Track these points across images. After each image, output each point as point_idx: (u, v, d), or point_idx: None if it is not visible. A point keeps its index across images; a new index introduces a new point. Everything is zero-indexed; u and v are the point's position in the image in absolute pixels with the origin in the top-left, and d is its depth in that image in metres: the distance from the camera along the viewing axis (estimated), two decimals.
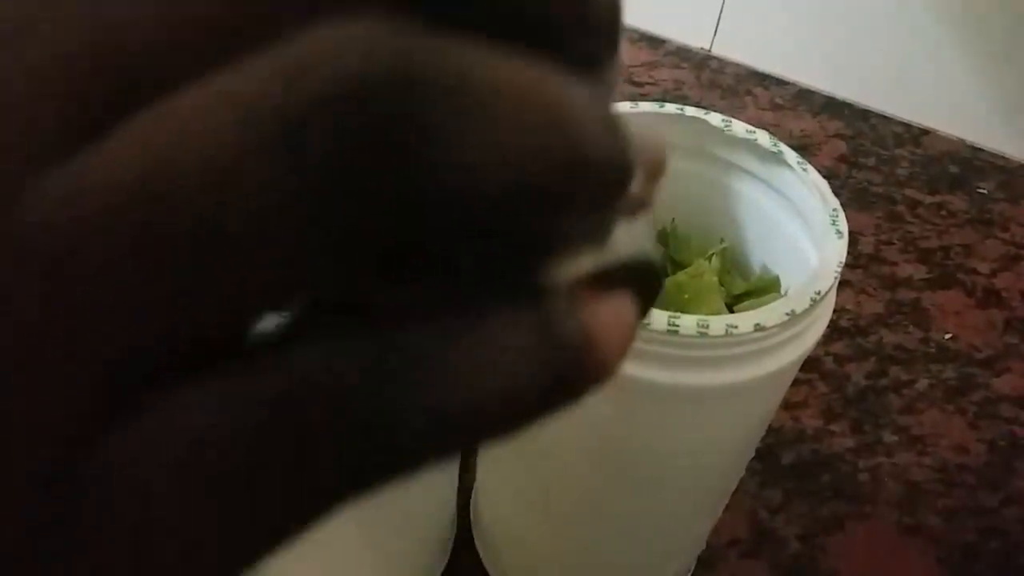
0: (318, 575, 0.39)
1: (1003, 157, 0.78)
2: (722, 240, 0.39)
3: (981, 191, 0.75)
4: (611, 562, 0.39)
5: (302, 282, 0.08)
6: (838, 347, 0.59)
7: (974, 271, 0.67)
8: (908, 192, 0.74)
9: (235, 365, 0.08)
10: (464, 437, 0.09)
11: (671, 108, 0.36)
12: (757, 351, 0.28)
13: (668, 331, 0.27)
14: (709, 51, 0.88)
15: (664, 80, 0.84)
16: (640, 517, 0.37)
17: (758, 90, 0.84)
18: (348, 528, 0.37)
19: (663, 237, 0.40)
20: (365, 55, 0.07)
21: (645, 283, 0.11)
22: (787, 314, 0.27)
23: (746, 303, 0.36)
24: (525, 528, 0.42)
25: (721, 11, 0.85)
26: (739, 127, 0.35)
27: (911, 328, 0.61)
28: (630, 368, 0.28)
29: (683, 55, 0.87)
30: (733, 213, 0.38)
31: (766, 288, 0.37)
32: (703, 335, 0.27)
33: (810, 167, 0.34)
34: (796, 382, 0.35)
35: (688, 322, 0.27)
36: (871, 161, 0.76)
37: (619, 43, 0.10)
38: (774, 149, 0.34)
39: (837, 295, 0.32)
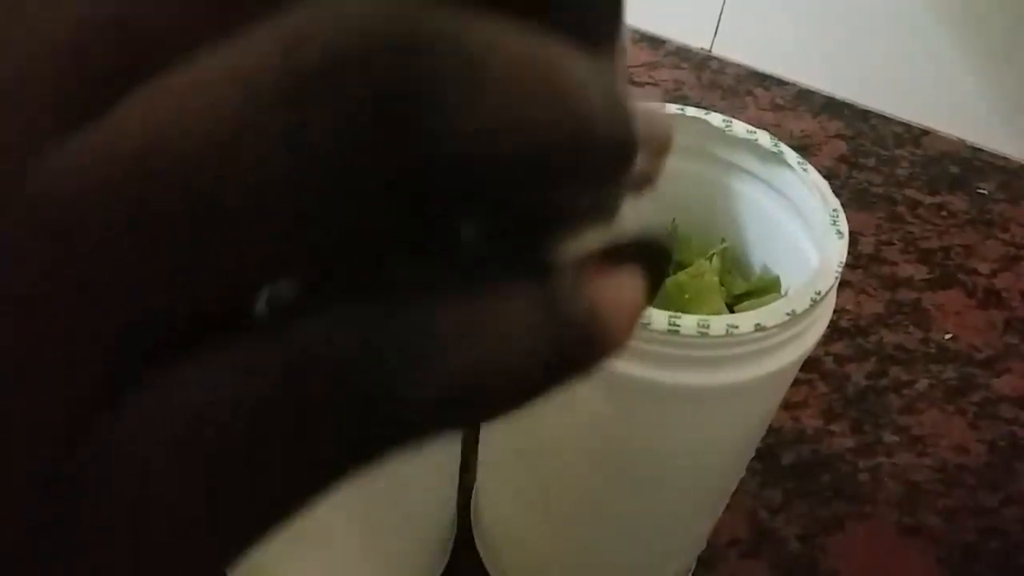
0: (319, 575, 0.39)
1: (1003, 157, 0.78)
2: (723, 240, 0.39)
3: (981, 191, 0.75)
4: (611, 562, 0.39)
5: (303, 256, 0.08)
6: (838, 347, 0.59)
7: (974, 271, 0.67)
8: (908, 192, 0.74)
9: (235, 340, 0.08)
10: (465, 410, 0.09)
11: (672, 108, 0.36)
12: (757, 351, 0.28)
13: (669, 331, 0.27)
14: (709, 51, 0.88)
15: (664, 80, 0.84)
16: (640, 517, 0.37)
17: (758, 90, 0.84)
18: (349, 528, 0.37)
19: None
20: (365, 24, 0.07)
21: (654, 260, 0.11)
22: (788, 314, 0.27)
23: (746, 303, 0.36)
24: (525, 528, 0.42)
25: (721, 12, 0.85)
26: (740, 127, 0.35)
27: (911, 328, 0.61)
28: (630, 368, 0.28)
29: (683, 55, 0.87)
30: (734, 213, 0.38)
31: (766, 288, 0.37)
32: (704, 335, 0.27)
33: (810, 167, 0.34)
34: (796, 382, 0.35)
35: (689, 322, 0.27)
36: (871, 161, 0.76)
37: (622, 20, 0.10)
38: (775, 149, 0.34)
39: (837, 295, 0.32)
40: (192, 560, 0.08)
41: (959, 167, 0.77)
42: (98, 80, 0.08)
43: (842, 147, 0.78)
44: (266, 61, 0.07)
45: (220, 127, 0.07)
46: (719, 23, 0.86)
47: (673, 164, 0.37)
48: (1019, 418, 0.56)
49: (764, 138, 0.34)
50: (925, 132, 0.80)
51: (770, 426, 0.36)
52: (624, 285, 0.10)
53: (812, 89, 0.84)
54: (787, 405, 0.54)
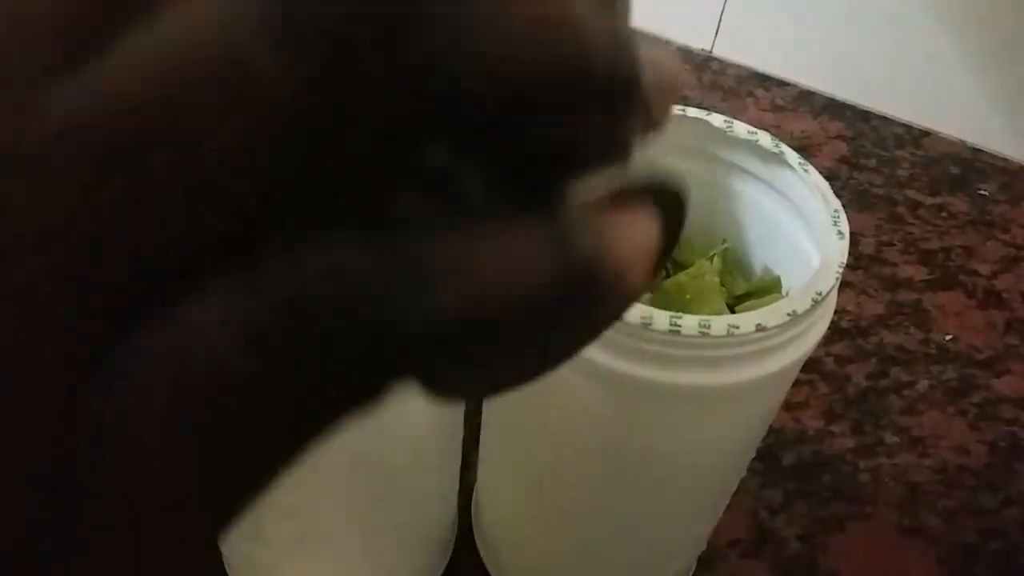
0: (319, 575, 0.39)
1: (1004, 159, 0.78)
2: (723, 241, 0.39)
3: (982, 192, 0.75)
4: (612, 562, 0.39)
5: (304, 186, 0.08)
6: (839, 348, 0.59)
7: (975, 272, 0.67)
8: (909, 193, 0.74)
9: (236, 277, 0.08)
10: (468, 345, 0.09)
11: (672, 109, 0.36)
12: (758, 351, 0.28)
13: (670, 331, 0.27)
14: (710, 52, 0.88)
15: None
16: (641, 517, 0.37)
17: (759, 91, 0.84)
18: (349, 528, 0.37)
19: None
20: None
21: (669, 203, 0.10)
22: (788, 315, 0.27)
23: (747, 304, 0.36)
24: (525, 528, 0.42)
25: (722, 13, 0.85)
26: (741, 128, 0.35)
27: (912, 329, 0.61)
28: (631, 368, 0.28)
29: (684, 56, 0.87)
30: (735, 214, 0.38)
31: (767, 289, 0.37)
32: (705, 335, 0.27)
33: (811, 168, 0.34)
34: (797, 383, 0.35)
35: (690, 322, 0.27)
36: (872, 162, 0.76)
37: None
38: (775, 150, 0.34)
39: (838, 296, 0.32)
40: (189, 532, 0.08)
41: (960, 168, 0.77)
42: (99, 19, 0.08)
43: (843, 148, 0.78)
44: None
45: (213, 54, 0.07)
46: (720, 24, 0.86)
47: (674, 164, 0.37)
48: (1019, 419, 0.56)
49: (765, 139, 0.35)
50: (926, 133, 0.80)
51: (771, 426, 0.36)
52: (637, 223, 0.10)
53: (813, 90, 0.84)
54: (788, 405, 0.54)
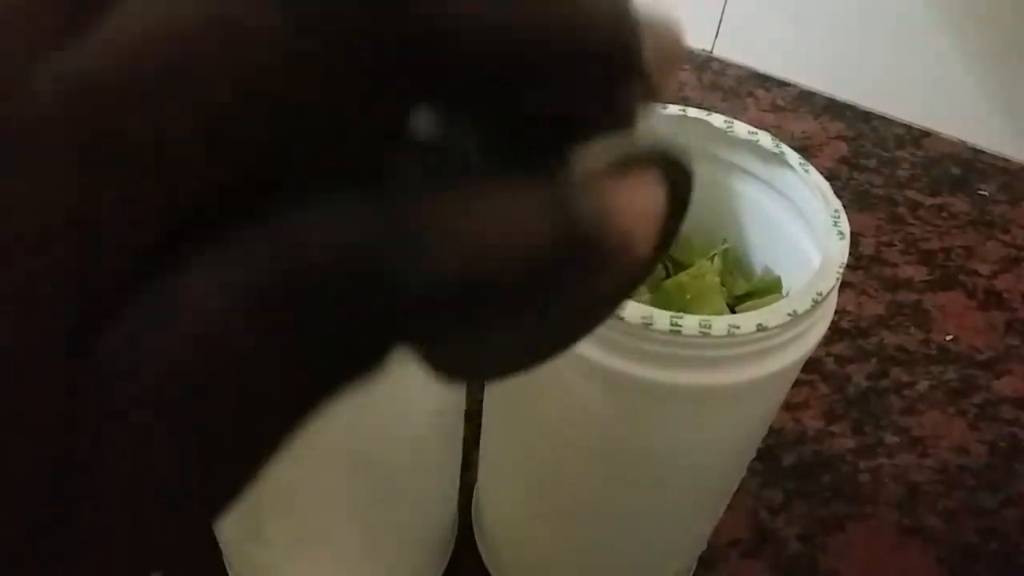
0: (319, 575, 0.39)
1: (1004, 159, 0.78)
2: (724, 241, 0.39)
3: (982, 193, 0.75)
4: (612, 562, 0.39)
5: (300, 147, 0.08)
6: (839, 348, 0.59)
7: (975, 273, 0.67)
8: (909, 194, 0.74)
9: (231, 245, 0.08)
10: (466, 304, 0.09)
11: (673, 109, 0.36)
12: (759, 351, 0.28)
13: (671, 331, 0.27)
14: (711, 53, 0.88)
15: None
16: (641, 517, 0.37)
17: (759, 92, 0.84)
18: (350, 528, 0.37)
19: None
20: None
21: (676, 173, 0.10)
22: (789, 315, 0.27)
23: (748, 304, 0.36)
24: (526, 528, 0.42)
25: (723, 13, 0.85)
26: (741, 128, 0.35)
27: (912, 329, 0.61)
28: (631, 368, 0.28)
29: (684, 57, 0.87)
30: (735, 214, 0.38)
31: (768, 289, 0.37)
32: (705, 335, 0.27)
33: (812, 168, 0.34)
34: (797, 383, 0.35)
35: (691, 322, 0.27)
36: (872, 163, 0.76)
37: None
38: (776, 150, 0.34)
39: (838, 296, 0.32)
40: (189, 527, 0.08)
41: (960, 168, 0.77)
42: None
43: (843, 148, 0.78)
44: None
45: (206, 13, 0.07)
46: (720, 25, 0.86)
47: None
48: (1020, 419, 0.56)
49: (766, 139, 0.35)
50: (926, 133, 0.80)
51: (771, 427, 0.36)
52: (640, 188, 0.09)
53: (813, 90, 0.84)
54: (788, 406, 0.54)
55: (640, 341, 0.28)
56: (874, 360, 0.59)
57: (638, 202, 0.09)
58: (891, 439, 0.54)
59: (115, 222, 0.08)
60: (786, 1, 0.81)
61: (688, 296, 0.36)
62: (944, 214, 0.72)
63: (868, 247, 0.68)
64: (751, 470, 0.50)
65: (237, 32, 0.07)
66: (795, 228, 0.35)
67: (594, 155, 0.09)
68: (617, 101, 0.10)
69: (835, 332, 0.60)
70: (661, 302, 0.35)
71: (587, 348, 0.29)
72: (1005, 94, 0.76)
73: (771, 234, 0.37)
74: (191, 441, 0.08)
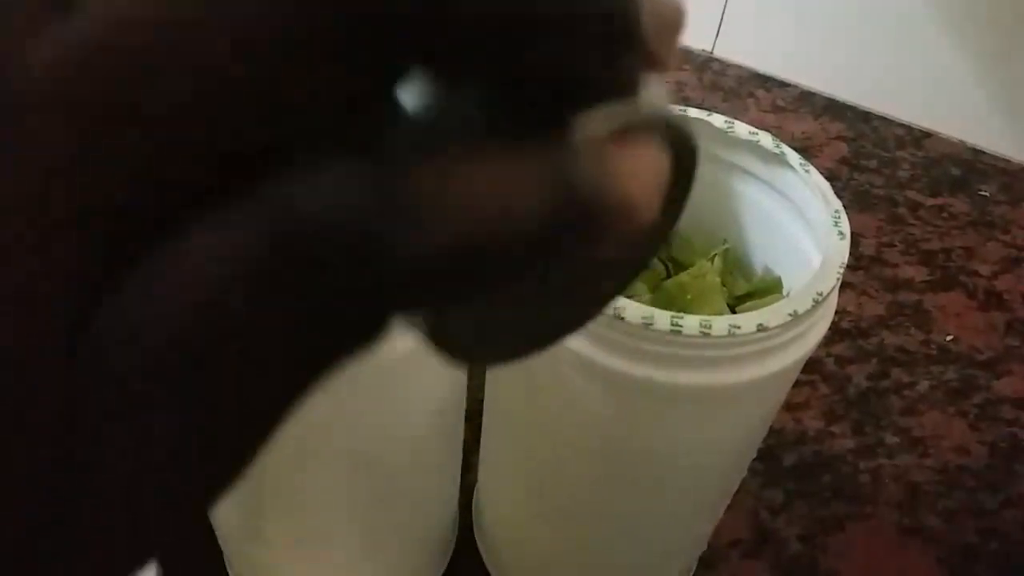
0: (319, 575, 0.39)
1: (1004, 159, 0.78)
2: (724, 241, 0.39)
3: (982, 193, 0.75)
4: (612, 562, 0.39)
5: (296, 112, 0.08)
6: (839, 348, 0.59)
7: (975, 273, 0.67)
8: (909, 194, 0.74)
9: (226, 213, 0.08)
10: (465, 271, 0.09)
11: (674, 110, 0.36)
12: (759, 351, 0.28)
13: (671, 331, 0.27)
14: (711, 53, 0.88)
15: (666, 82, 0.84)
16: (641, 517, 0.37)
17: (760, 92, 0.84)
18: (350, 528, 0.37)
19: None
20: None
21: (679, 143, 0.10)
22: (790, 315, 0.27)
23: (748, 304, 0.36)
24: (526, 528, 0.42)
25: (723, 14, 0.85)
26: (741, 128, 0.35)
27: (912, 330, 0.61)
28: (631, 368, 0.28)
29: (685, 57, 0.87)
30: (735, 214, 0.38)
31: (768, 289, 0.37)
32: (706, 335, 0.27)
33: (812, 168, 0.34)
34: (797, 383, 0.35)
35: (691, 322, 0.27)
36: (872, 163, 0.76)
37: None
38: (776, 151, 0.34)
39: (839, 297, 0.32)
40: (188, 522, 0.08)
41: (960, 169, 0.77)
42: None
43: (843, 149, 0.78)
44: None
45: None
46: (721, 25, 0.86)
47: None
48: (1020, 420, 0.56)
49: (766, 139, 0.35)
50: (926, 134, 0.80)
51: (771, 427, 0.36)
52: (643, 156, 0.09)
53: (813, 91, 0.84)
54: (788, 406, 0.54)
55: (640, 341, 0.28)
56: (874, 360, 0.59)
57: (639, 167, 0.09)
58: (891, 439, 0.54)
59: (114, 199, 0.08)
60: (786, 1, 0.81)
61: (689, 296, 0.36)
62: (944, 214, 0.72)
63: (868, 247, 0.68)
64: (751, 470, 0.50)
65: None
66: (795, 228, 0.35)
67: (595, 122, 0.09)
68: (617, 65, 0.09)
69: (835, 332, 0.60)
70: (662, 302, 0.35)
71: (587, 348, 0.29)
72: (1005, 94, 0.76)
73: (772, 234, 0.37)
74: (191, 411, 0.08)
